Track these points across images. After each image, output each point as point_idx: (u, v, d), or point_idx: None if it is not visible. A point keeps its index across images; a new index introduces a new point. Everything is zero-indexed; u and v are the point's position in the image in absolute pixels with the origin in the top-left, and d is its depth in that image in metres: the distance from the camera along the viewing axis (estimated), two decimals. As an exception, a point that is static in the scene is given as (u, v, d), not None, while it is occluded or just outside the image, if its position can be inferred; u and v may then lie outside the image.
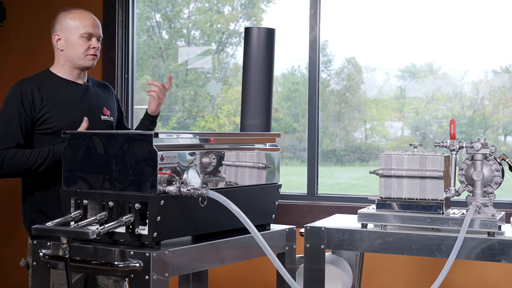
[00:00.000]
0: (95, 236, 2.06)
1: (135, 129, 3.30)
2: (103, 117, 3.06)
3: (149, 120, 3.19)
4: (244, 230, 2.28)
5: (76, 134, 2.31)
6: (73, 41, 2.95)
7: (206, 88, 4.95)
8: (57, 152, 2.81)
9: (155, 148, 2.14)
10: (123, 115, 3.32)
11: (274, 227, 2.69)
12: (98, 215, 2.21)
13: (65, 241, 2.12)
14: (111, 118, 3.10)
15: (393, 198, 2.51)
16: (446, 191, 2.46)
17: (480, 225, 2.36)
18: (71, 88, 3.00)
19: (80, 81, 3.04)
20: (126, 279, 3.08)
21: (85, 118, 2.91)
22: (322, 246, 2.52)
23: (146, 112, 3.19)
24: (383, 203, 2.52)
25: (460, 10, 4.31)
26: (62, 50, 2.99)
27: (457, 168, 2.48)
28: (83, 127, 2.89)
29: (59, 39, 2.97)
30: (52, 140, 2.90)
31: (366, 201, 3.09)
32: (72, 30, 2.94)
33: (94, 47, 2.96)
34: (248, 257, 2.56)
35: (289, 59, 4.78)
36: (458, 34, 4.32)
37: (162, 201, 2.14)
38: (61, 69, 3.01)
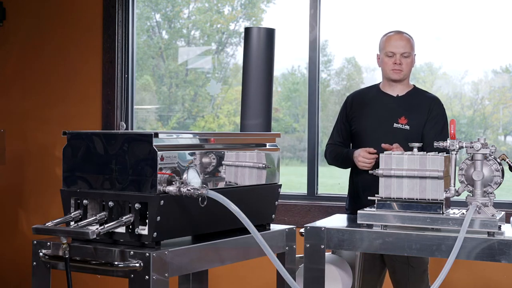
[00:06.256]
0: (95, 236, 2.06)
1: None
2: (395, 125, 3.44)
3: None
4: (244, 230, 2.28)
5: (76, 134, 2.31)
6: (382, 59, 3.51)
7: (206, 88, 4.95)
8: (350, 154, 3.41)
9: (155, 148, 2.14)
10: (435, 131, 3.44)
11: (274, 227, 2.69)
12: (98, 215, 2.21)
13: (65, 241, 2.12)
14: (406, 127, 3.44)
15: (393, 198, 2.51)
16: (446, 191, 2.46)
17: (480, 225, 2.36)
18: (379, 98, 3.53)
19: (392, 93, 3.52)
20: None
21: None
22: (322, 246, 2.52)
23: None
24: (383, 203, 2.52)
25: (460, 10, 4.30)
26: (380, 67, 3.56)
27: (457, 168, 2.48)
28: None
29: (378, 58, 3.55)
30: (357, 138, 3.52)
31: (366, 201, 3.08)
32: (382, 50, 3.52)
33: (395, 63, 3.45)
34: (248, 257, 2.56)
35: (289, 59, 4.77)
36: (458, 34, 4.32)
37: (162, 201, 2.14)
38: (382, 82, 3.57)
